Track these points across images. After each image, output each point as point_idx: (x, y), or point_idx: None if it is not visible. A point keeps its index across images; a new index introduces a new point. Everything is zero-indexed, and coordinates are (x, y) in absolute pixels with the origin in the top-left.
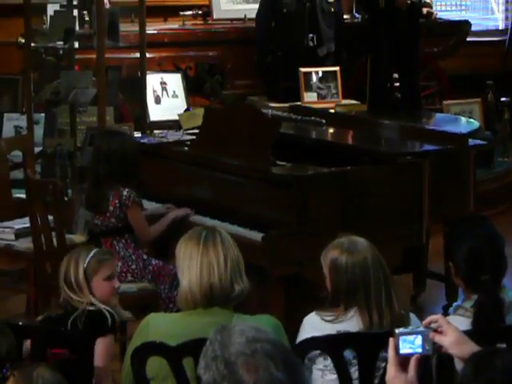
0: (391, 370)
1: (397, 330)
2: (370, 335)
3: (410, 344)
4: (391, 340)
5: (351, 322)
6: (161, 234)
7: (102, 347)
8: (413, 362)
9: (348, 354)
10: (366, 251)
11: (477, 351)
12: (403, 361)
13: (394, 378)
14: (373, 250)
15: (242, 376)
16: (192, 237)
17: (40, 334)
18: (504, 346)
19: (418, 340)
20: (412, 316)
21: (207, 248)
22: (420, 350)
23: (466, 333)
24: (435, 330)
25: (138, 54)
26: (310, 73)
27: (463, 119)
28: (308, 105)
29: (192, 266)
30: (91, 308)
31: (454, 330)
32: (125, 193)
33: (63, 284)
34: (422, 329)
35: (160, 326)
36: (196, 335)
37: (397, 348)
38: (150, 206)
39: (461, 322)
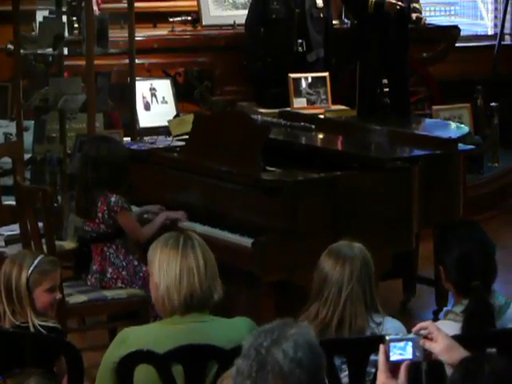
0: (381, 377)
1: (387, 337)
2: (359, 340)
3: (401, 350)
4: (381, 347)
5: None
6: (154, 236)
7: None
8: (403, 369)
9: (336, 359)
10: (347, 261)
11: (465, 357)
12: (393, 367)
13: None
14: (356, 262)
15: None
16: (168, 242)
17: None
18: (494, 350)
19: (409, 347)
20: (394, 322)
21: (186, 253)
22: (410, 357)
23: (456, 338)
24: (425, 337)
25: (127, 61)
26: (300, 78)
27: (453, 124)
28: (297, 110)
29: (170, 271)
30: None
31: (444, 336)
32: (113, 199)
33: (2, 290)
34: (412, 335)
35: (140, 337)
36: (173, 343)
37: (387, 354)
38: (143, 209)
39: (451, 326)
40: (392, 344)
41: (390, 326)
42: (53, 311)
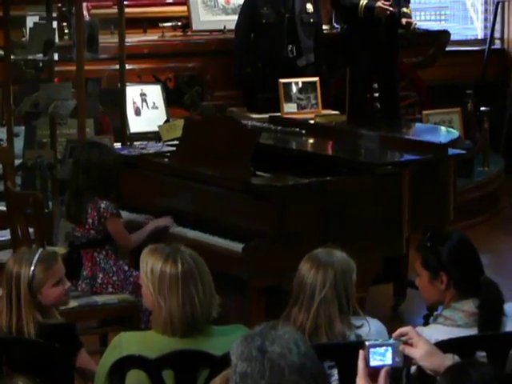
0: (361, 383)
1: (367, 342)
2: (348, 344)
3: (380, 356)
4: (361, 352)
5: None
6: (142, 243)
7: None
8: (383, 374)
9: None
10: (321, 266)
11: (452, 364)
12: (373, 373)
13: None
14: (331, 269)
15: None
16: (168, 261)
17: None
18: (483, 354)
19: (388, 352)
20: (375, 322)
21: (187, 280)
22: (390, 362)
23: (444, 342)
24: (405, 342)
25: (117, 66)
26: (290, 83)
27: (443, 129)
28: (288, 116)
29: (173, 296)
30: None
31: (424, 342)
32: (102, 205)
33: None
34: (392, 341)
35: (133, 343)
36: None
37: (367, 360)
38: (130, 217)
39: (440, 330)
40: (372, 350)
41: (376, 327)
42: (67, 300)
